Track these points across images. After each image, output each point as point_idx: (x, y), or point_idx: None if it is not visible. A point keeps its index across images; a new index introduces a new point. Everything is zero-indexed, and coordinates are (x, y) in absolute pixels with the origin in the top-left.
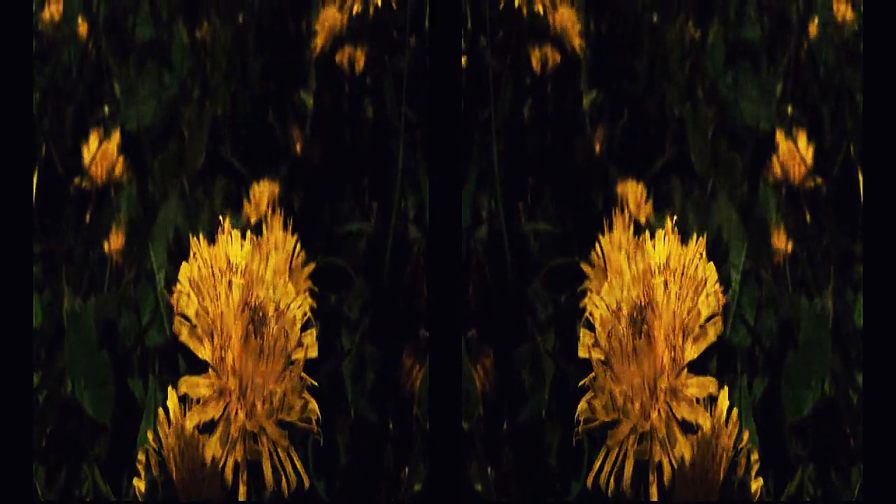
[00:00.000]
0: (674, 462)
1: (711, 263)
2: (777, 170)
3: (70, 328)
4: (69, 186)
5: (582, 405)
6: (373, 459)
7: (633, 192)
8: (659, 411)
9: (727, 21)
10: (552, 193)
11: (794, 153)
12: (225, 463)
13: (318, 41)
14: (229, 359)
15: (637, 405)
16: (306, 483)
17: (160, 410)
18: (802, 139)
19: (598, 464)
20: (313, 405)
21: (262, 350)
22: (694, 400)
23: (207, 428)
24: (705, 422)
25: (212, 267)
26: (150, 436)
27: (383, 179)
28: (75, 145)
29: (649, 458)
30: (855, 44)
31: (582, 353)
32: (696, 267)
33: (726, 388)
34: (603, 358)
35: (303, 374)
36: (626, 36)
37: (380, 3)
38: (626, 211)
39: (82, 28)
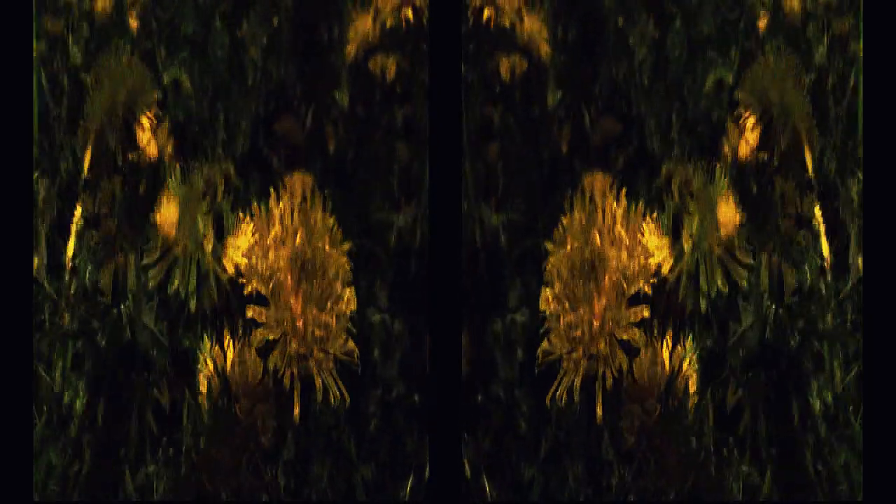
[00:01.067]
0: (613, 373)
1: (649, 219)
2: (727, 150)
3: (129, 284)
4: (122, 163)
5: (543, 344)
6: (398, 429)
7: (598, 181)
8: (604, 338)
9: (687, 19)
10: (522, 190)
11: (745, 137)
12: (284, 374)
13: (351, 49)
14: (283, 298)
15: (588, 336)
16: (347, 401)
17: (215, 348)
18: (751, 121)
19: (554, 386)
20: (352, 345)
21: (310, 295)
22: (630, 324)
23: (269, 347)
24: (641, 340)
25: (267, 223)
26: (209, 363)
27: (411, 181)
28: (128, 126)
29: (595, 372)
30: (800, 32)
31: (543, 307)
32: (642, 222)
33: (671, 330)
34: (561, 308)
35: (343, 320)
36: (591, 40)
37: (411, 17)
38: (585, 196)
39: (132, 22)
